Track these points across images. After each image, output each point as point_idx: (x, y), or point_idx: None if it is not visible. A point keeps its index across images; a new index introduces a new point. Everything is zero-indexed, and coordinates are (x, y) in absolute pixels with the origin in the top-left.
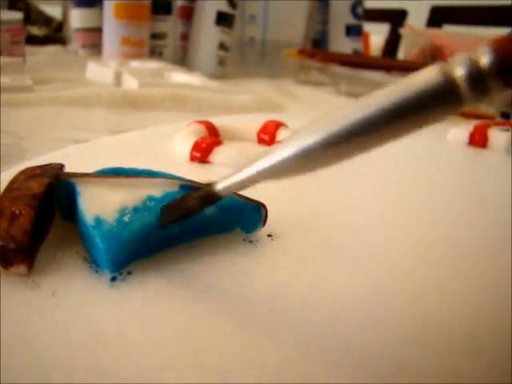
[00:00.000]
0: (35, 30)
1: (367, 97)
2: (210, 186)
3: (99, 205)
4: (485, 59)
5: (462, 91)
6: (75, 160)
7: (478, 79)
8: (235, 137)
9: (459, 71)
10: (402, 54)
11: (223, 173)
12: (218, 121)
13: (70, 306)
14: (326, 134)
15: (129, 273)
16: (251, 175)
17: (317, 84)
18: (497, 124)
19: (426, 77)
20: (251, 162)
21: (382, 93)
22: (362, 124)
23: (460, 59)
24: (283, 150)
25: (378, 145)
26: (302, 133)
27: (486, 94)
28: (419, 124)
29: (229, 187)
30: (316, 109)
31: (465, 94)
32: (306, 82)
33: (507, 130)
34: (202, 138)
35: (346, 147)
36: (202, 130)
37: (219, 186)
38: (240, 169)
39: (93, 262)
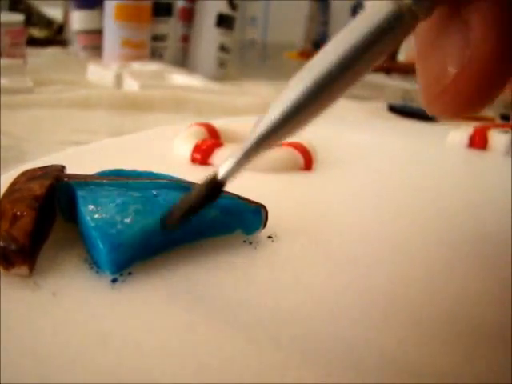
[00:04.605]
0: (36, 32)
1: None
2: (211, 176)
3: (100, 206)
4: None
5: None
6: (76, 162)
7: None
8: (236, 139)
9: None
10: (402, 56)
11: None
12: (218, 123)
13: (71, 306)
14: (309, 84)
15: (129, 274)
16: (250, 147)
17: None
18: (496, 126)
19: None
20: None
21: (346, 33)
22: (341, 64)
23: None
24: (274, 110)
25: (354, 81)
26: (288, 90)
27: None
28: (388, 47)
29: (231, 169)
30: None
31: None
32: None
33: (507, 132)
34: (203, 140)
35: (328, 92)
36: (202, 132)
37: (221, 172)
38: (237, 149)
39: (94, 263)
